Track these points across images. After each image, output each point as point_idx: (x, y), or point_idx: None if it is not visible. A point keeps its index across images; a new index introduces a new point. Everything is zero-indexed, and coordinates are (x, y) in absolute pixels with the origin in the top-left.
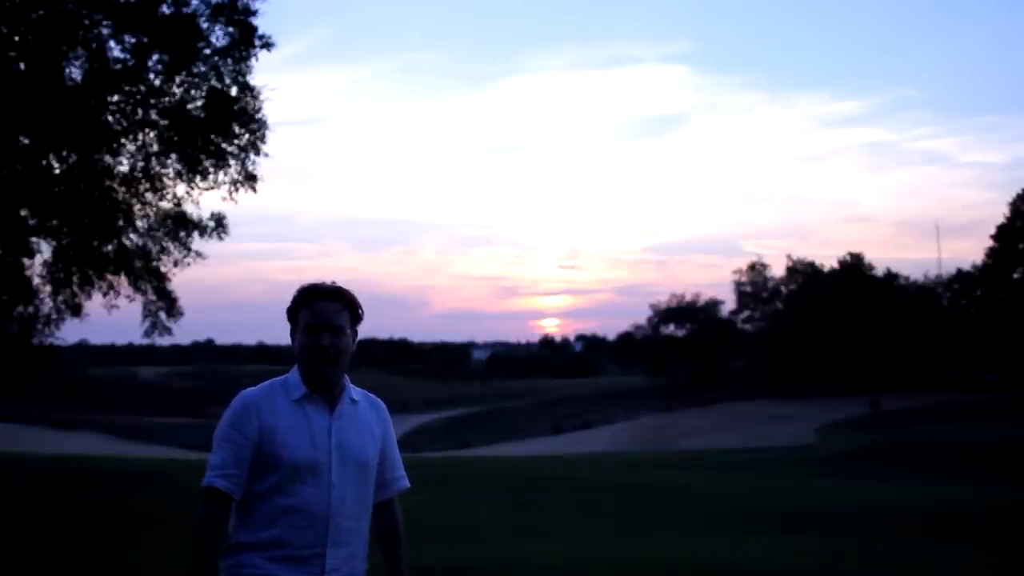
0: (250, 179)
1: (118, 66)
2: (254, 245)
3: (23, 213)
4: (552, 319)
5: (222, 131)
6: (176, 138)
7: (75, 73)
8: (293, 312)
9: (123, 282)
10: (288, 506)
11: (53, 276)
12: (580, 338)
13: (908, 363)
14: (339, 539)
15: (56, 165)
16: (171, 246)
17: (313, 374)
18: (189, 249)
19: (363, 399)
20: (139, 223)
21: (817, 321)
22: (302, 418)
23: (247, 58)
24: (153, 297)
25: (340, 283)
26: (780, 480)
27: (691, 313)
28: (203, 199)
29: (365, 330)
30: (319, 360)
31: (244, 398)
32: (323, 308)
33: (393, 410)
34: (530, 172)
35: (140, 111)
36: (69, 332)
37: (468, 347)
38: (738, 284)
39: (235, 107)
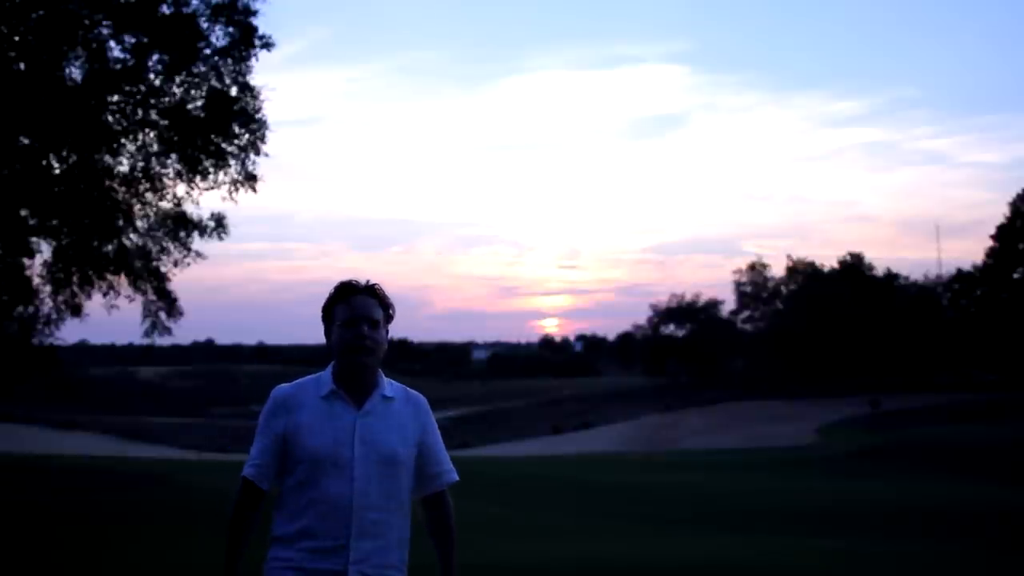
0: (250, 179)
1: (118, 66)
2: (254, 245)
3: (23, 213)
4: (552, 319)
5: (222, 131)
6: (176, 138)
7: (75, 73)
8: (329, 308)
9: (123, 282)
10: (313, 498)
11: (53, 276)
12: (580, 338)
13: (908, 363)
14: (364, 531)
15: (56, 165)
16: (171, 246)
17: (351, 366)
18: (189, 249)
19: (400, 395)
20: (139, 223)
21: (817, 321)
22: (327, 413)
23: (247, 58)
24: (153, 297)
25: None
26: (780, 480)
27: (691, 313)
28: (203, 199)
29: None
30: (358, 351)
31: (275, 393)
32: (361, 302)
33: None
34: (530, 172)
35: (140, 111)
36: (69, 332)
37: (468, 347)
38: (738, 284)
39: (235, 107)
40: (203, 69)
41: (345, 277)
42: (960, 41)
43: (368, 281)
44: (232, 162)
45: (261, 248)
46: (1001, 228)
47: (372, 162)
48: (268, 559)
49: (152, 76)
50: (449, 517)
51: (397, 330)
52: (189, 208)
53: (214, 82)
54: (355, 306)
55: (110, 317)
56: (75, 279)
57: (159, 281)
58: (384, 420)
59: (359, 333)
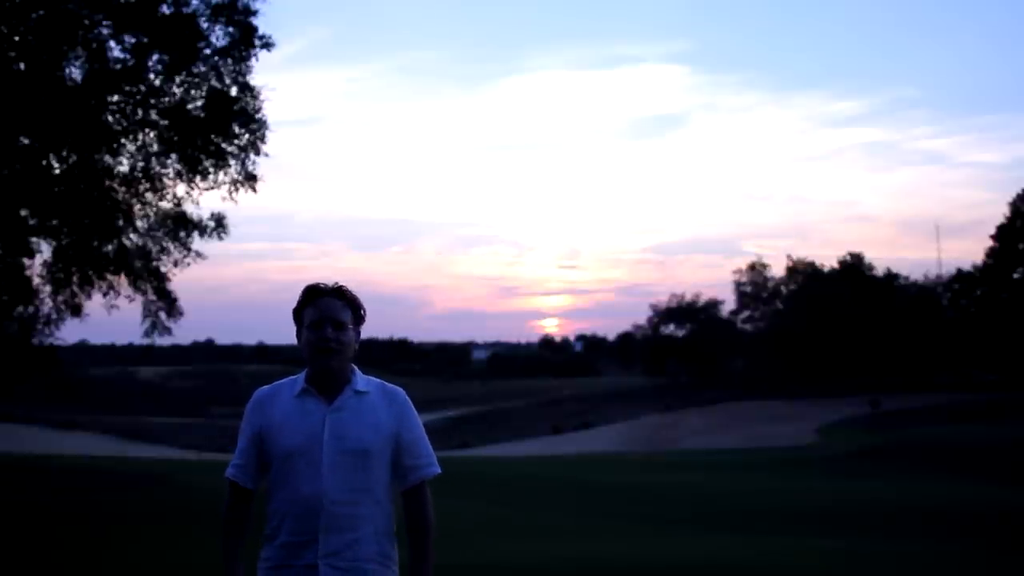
0: (250, 179)
1: (118, 66)
2: (254, 245)
3: (23, 213)
4: (552, 319)
5: (222, 131)
6: (176, 138)
7: (75, 73)
8: (298, 311)
9: (123, 282)
10: (287, 494)
11: (53, 276)
12: (580, 338)
13: (908, 363)
14: (333, 525)
15: (56, 165)
16: (171, 246)
17: (318, 367)
18: (189, 249)
19: (376, 390)
20: (139, 223)
21: (817, 321)
22: (300, 411)
23: (247, 58)
24: (153, 297)
25: (342, 283)
26: (780, 480)
27: (691, 313)
28: (203, 199)
29: (365, 330)
30: (324, 353)
31: (254, 395)
32: (327, 304)
33: None
34: (530, 172)
35: (140, 111)
36: (69, 332)
37: (468, 347)
38: (738, 284)
39: (235, 107)
40: (203, 69)
41: (315, 280)
42: (960, 41)
43: (336, 283)
44: (232, 162)
45: (261, 248)
46: (1001, 228)
47: (372, 162)
48: (259, 559)
49: (152, 76)
50: (424, 511)
51: (397, 330)
52: (189, 208)
53: (214, 82)
54: (321, 308)
55: (110, 317)
56: (75, 279)
57: (159, 281)
58: (355, 414)
59: (324, 336)
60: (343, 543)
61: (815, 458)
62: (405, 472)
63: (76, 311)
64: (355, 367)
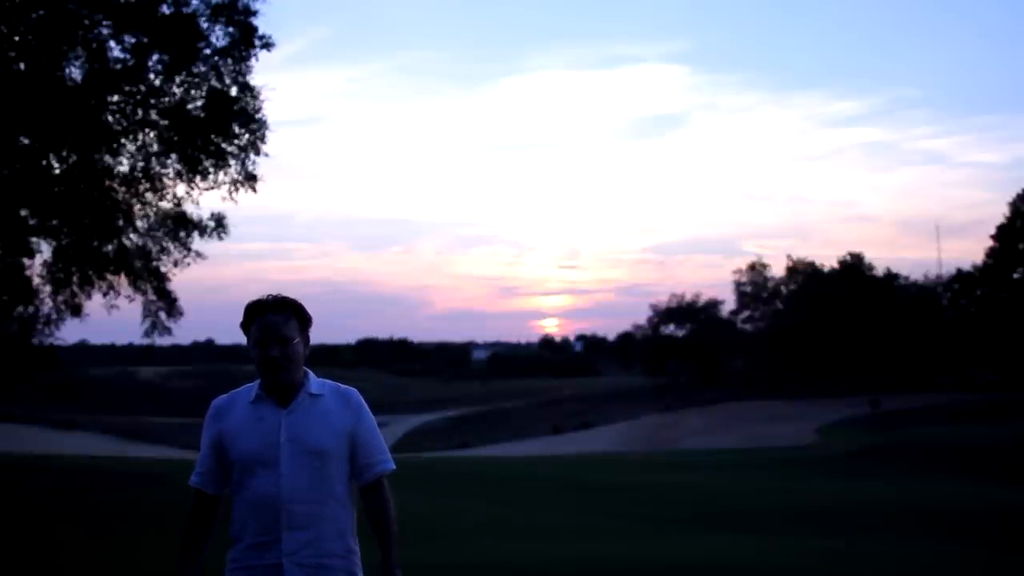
0: (250, 179)
1: (118, 66)
2: (254, 245)
3: (23, 213)
4: (552, 319)
5: (222, 131)
6: (176, 138)
7: (75, 73)
8: (245, 328)
9: (123, 282)
10: (247, 497)
11: (53, 276)
12: (580, 338)
13: (908, 363)
14: (294, 524)
15: (56, 165)
16: (171, 246)
17: (268, 382)
18: (189, 249)
19: (330, 392)
20: (139, 223)
21: (817, 321)
22: (255, 417)
23: (247, 58)
24: (153, 297)
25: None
26: (780, 480)
27: (691, 313)
28: (203, 199)
29: (365, 330)
30: (271, 370)
31: (212, 404)
32: (270, 321)
33: (393, 410)
34: (530, 172)
35: (140, 111)
36: (69, 332)
37: (468, 347)
38: (738, 284)
39: (235, 107)
40: (203, 69)
41: (258, 295)
42: (960, 41)
43: (276, 295)
44: (232, 162)
45: (261, 248)
46: (1001, 228)
47: (372, 162)
48: (226, 561)
49: (152, 76)
50: (384, 506)
51: (397, 330)
52: (189, 208)
53: (214, 82)
54: (264, 327)
55: (110, 317)
56: (75, 279)
57: (159, 281)
58: (310, 416)
59: (270, 356)
60: (305, 541)
61: (815, 458)
62: (361, 470)
63: (76, 311)
64: (308, 370)
